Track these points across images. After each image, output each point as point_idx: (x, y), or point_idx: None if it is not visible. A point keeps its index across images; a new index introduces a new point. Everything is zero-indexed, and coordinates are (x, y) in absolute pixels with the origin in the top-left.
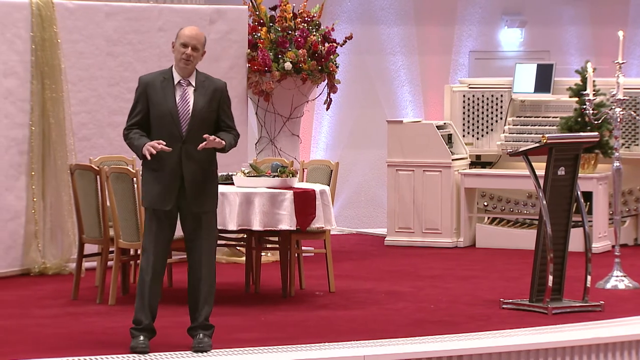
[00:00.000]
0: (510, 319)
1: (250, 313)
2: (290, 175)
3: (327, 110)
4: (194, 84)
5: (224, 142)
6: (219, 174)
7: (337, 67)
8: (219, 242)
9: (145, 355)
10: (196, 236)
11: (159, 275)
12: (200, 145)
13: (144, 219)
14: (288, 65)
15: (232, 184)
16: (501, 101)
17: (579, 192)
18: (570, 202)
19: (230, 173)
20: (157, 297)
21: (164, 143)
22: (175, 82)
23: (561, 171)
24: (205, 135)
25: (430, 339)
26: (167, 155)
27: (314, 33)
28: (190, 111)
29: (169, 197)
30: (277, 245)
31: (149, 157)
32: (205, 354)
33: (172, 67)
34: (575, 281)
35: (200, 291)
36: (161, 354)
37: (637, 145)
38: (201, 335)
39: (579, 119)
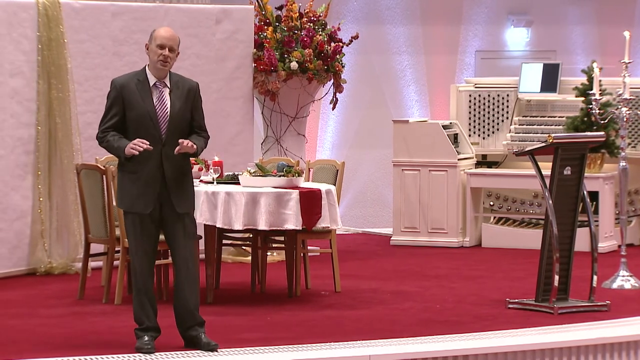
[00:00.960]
0: (516, 319)
1: (256, 313)
2: (296, 174)
3: (333, 109)
4: (169, 86)
5: (195, 147)
6: (225, 173)
7: (343, 66)
8: (225, 241)
9: (151, 355)
10: (178, 237)
11: (150, 275)
12: (176, 149)
13: (124, 223)
14: (294, 64)
15: (238, 183)
16: (507, 101)
17: (585, 192)
18: (577, 201)
19: (236, 173)
20: (153, 295)
21: (147, 142)
22: (151, 84)
23: (567, 171)
24: (180, 140)
25: (436, 339)
26: (147, 157)
27: (320, 33)
28: (169, 113)
29: (149, 200)
30: (283, 245)
31: (136, 153)
32: (212, 353)
33: (145, 68)
34: (581, 281)
35: (187, 291)
36: (164, 353)
37: None
38: (204, 334)
39: (585, 119)
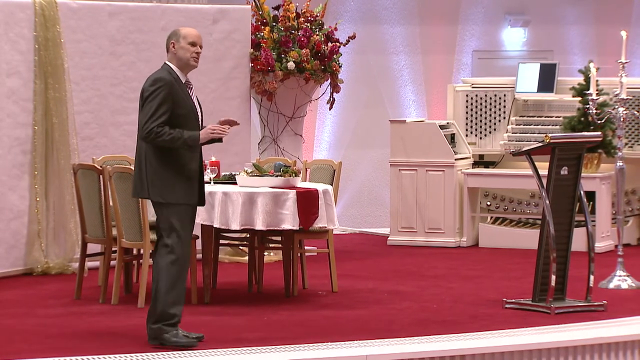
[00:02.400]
0: (513, 319)
1: (253, 313)
2: (293, 174)
3: (330, 109)
4: (192, 83)
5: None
6: (222, 173)
7: (340, 66)
8: (222, 241)
9: (144, 354)
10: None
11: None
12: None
13: (178, 216)
14: (291, 64)
15: (235, 183)
16: (504, 101)
17: (581, 192)
18: (573, 201)
19: (233, 173)
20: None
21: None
22: (184, 82)
23: (564, 171)
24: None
25: (433, 339)
26: (193, 152)
27: (317, 32)
28: (200, 110)
29: (195, 191)
30: (280, 245)
31: (218, 136)
32: (208, 352)
33: (170, 67)
34: (578, 281)
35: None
36: (161, 353)
37: None
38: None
39: (582, 119)
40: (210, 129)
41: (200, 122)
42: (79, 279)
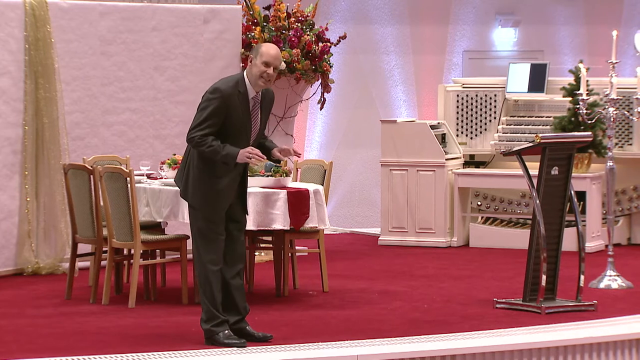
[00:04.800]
0: (504, 319)
1: None
2: (284, 174)
3: (320, 109)
4: (260, 98)
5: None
6: None
7: (331, 66)
8: None
9: (134, 355)
10: (236, 235)
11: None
12: (284, 154)
13: (197, 222)
14: (282, 64)
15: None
16: (495, 101)
17: (572, 192)
18: (564, 201)
19: None
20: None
21: (262, 156)
22: (250, 97)
23: (555, 171)
24: (285, 150)
25: (424, 339)
26: (227, 167)
27: (308, 32)
28: (259, 126)
29: (229, 198)
30: (271, 245)
31: (250, 162)
32: (198, 351)
33: (244, 78)
34: (568, 281)
35: (242, 286)
36: (158, 353)
37: (631, 144)
38: (249, 327)
39: (573, 119)
40: (247, 154)
41: (252, 137)
42: (69, 279)
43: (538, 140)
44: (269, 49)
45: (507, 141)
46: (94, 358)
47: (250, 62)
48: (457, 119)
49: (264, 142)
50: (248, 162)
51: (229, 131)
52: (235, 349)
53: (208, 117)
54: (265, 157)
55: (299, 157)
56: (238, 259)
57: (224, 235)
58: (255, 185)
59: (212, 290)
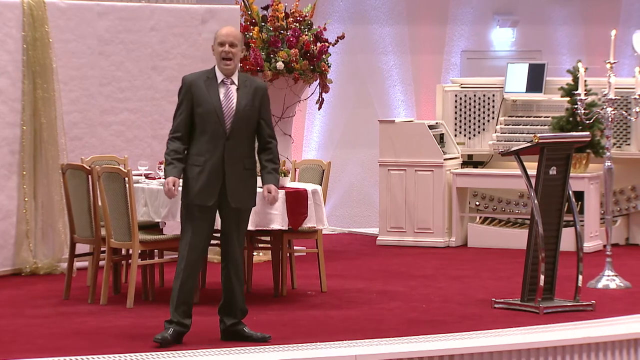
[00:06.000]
0: (502, 319)
1: None
2: (282, 175)
3: (319, 109)
4: (236, 83)
5: (276, 188)
6: None
7: (329, 66)
8: (212, 242)
9: (132, 355)
10: (231, 232)
11: (197, 269)
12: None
13: (187, 216)
14: (280, 64)
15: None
16: (493, 101)
17: (570, 192)
18: (562, 201)
19: None
20: (192, 290)
21: (174, 191)
22: (219, 81)
23: (553, 171)
24: (265, 197)
25: (422, 339)
26: (212, 151)
27: (306, 32)
28: (234, 109)
29: (212, 193)
30: (269, 245)
31: (165, 192)
32: (196, 352)
33: (214, 67)
34: (566, 281)
35: (238, 288)
36: (157, 353)
37: (629, 144)
38: (247, 328)
39: (571, 119)
40: (165, 187)
41: (229, 121)
42: (67, 279)
43: (536, 140)
44: (220, 30)
45: (505, 141)
46: (92, 358)
47: (213, 50)
48: (456, 119)
49: (264, 174)
50: (166, 192)
51: (200, 117)
52: (233, 348)
53: (177, 107)
54: (173, 197)
55: (271, 203)
56: (228, 261)
57: (207, 232)
58: None
59: (175, 284)
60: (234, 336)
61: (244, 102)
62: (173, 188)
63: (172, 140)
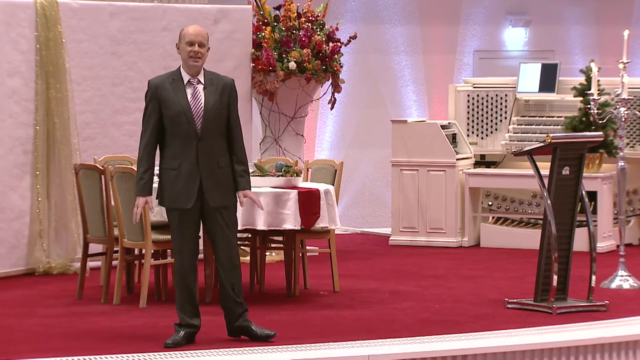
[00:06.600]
0: (515, 319)
1: (255, 312)
2: (295, 174)
3: (331, 109)
4: (203, 82)
5: (250, 191)
6: None
7: (341, 66)
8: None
9: (145, 354)
10: (216, 230)
11: (193, 271)
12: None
13: (170, 221)
14: (292, 64)
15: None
16: (505, 101)
17: (583, 192)
18: (575, 201)
19: None
20: (195, 292)
21: (144, 208)
22: (185, 82)
23: (566, 171)
24: (241, 202)
25: (434, 339)
26: (185, 154)
27: (318, 32)
28: (203, 108)
29: (190, 195)
30: (282, 245)
31: (135, 212)
32: (209, 351)
33: (179, 68)
34: (580, 281)
35: (233, 284)
36: (167, 353)
37: None
38: (254, 326)
39: (584, 119)
40: (135, 208)
41: (199, 122)
42: (80, 279)
43: (549, 140)
44: (187, 29)
45: (518, 141)
46: (105, 358)
47: (178, 49)
48: (468, 119)
49: (236, 178)
50: (135, 213)
51: (169, 119)
52: (245, 348)
53: (145, 112)
54: (136, 220)
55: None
56: (218, 263)
57: (194, 234)
58: (266, 185)
59: (175, 288)
60: (240, 333)
61: (212, 100)
62: (140, 211)
63: (143, 149)
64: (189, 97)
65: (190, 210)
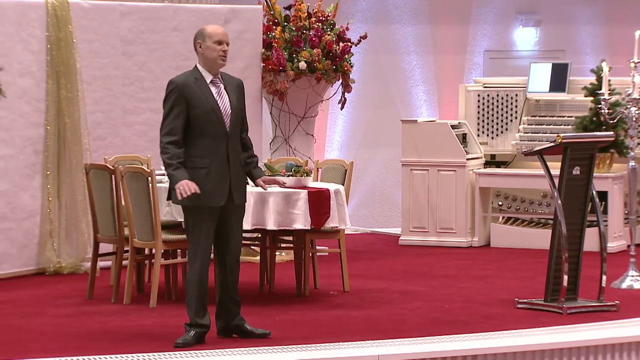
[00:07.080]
0: (525, 319)
1: (265, 312)
2: (305, 174)
3: (341, 109)
4: (222, 82)
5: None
6: None
7: (351, 66)
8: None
9: (154, 354)
10: (234, 228)
11: (207, 270)
12: (266, 185)
13: (187, 218)
14: (302, 64)
15: (247, 183)
16: (516, 100)
17: (594, 192)
18: (586, 201)
19: None
20: (207, 291)
21: (197, 188)
22: (208, 81)
23: (576, 171)
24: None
25: (444, 339)
26: (215, 152)
27: (329, 32)
28: (229, 107)
29: (223, 193)
30: (292, 245)
31: (179, 197)
32: (218, 351)
33: (196, 67)
34: (590, 281)
35: (232, 286)
36: (176, 353)
37: None
38: (248, 324)
39: (594, 119)
40: (180, 187)
41: (227, 121)
42: (91, 278)
43: (559, 140)
44: (215, 29)
45: (528, 141)
46: (115, 357)
47: (200, 47)
48: (478, 118)
49: (251, 170)
50: (180, 193)
51: (198, 119)
52: (253, 348)
53: (169, 112)
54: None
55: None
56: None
57: (212, 234)
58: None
59: (190, 288)
60: (234, 332)
61: (234, 99)
62: (191, 188)
63: (171, 145)
64: (215, 96)
65: (218, 209)
